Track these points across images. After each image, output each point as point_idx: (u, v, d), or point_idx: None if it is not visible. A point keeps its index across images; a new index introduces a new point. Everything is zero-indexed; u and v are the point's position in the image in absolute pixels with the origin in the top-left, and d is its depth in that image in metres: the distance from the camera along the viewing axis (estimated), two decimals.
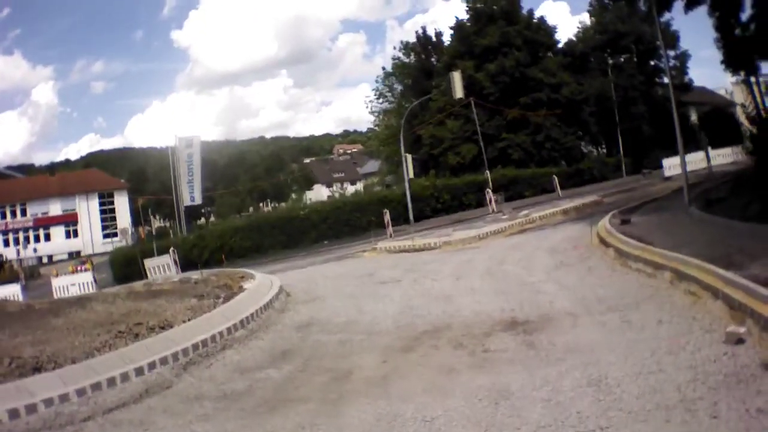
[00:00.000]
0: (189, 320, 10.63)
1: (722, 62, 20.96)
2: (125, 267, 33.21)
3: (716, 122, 48.64)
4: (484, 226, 24.40)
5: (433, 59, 55.03)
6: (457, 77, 34.29)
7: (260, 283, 14.47)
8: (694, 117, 55.22)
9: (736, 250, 9.75)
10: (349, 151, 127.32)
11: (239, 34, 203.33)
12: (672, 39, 52.32)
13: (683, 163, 19.72)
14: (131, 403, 7.44)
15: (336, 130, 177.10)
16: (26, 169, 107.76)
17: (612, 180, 45.29)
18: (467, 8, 51.33)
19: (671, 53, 53.39)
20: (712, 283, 8.08)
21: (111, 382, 7.84)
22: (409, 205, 35.08)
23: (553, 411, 5.49)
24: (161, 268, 27.65)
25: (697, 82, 57.51)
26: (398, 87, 56.87)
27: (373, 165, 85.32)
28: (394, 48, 67.75)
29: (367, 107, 75.84)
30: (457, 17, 52.92)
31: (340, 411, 6.39)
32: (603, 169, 48.07)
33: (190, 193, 43.89)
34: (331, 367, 8.10)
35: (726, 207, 14.76)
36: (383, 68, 58.21)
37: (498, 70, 46.91)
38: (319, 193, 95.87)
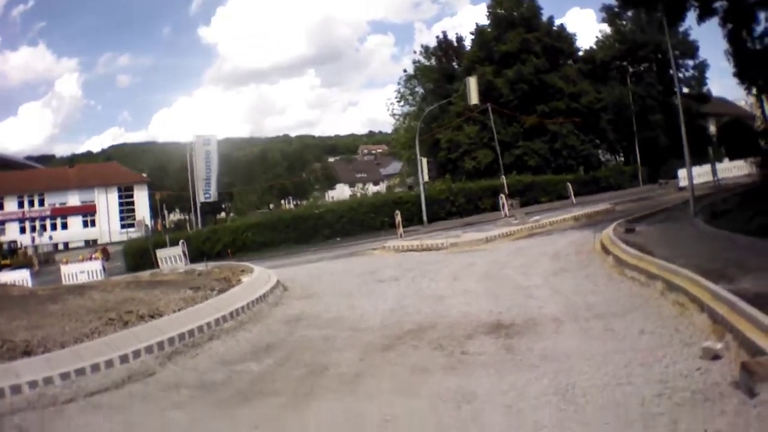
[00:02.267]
0: (180, 310, 10.51)
1: (735, 75, 20.42)
2: (138, 257, 33.25)
3: (735, 134, 47.67)
4: (493, 230, 24.02)
5: (454, 63, 54.53)
6: (473, 83, 33.89)
7: (257, 277, 14.32)
8: (712, 128, 54.23)
9: (731, 264, 9.39)
10: (373, 152, 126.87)
11: (267, 31, 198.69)
12: (690, 49, 51.60)
13: (690, 175, 19.38)
14: (113, 389, 7.42)
15: (362, 130, 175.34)
16: (47, 160, 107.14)
17: (628, 188, 44.41)
18: (488, 13, 50.86)
19: (689, 63, 52.96)
20: (700, 295, 7.77)
21: (95, 367, 7.80)
22: (423, 206, 34.79)
23: (512, 418, 5.27)
24: (172, 258, 27.76)
25: (719, 92, 56.55)
26: (420, 90, 56.32)
27: (395, 166, 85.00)
28: (415, 52, 67.48)
29: (388, 110, 76.15)
30: (477, 23, 52.52)
31: (307, 406, 6.30)
32: (619, 177, 47.25)
33: (206, 190, 44.49)
34: (309, 362, 8.00)
35: (730, 220, 14.32)
36: (404, 71, 57.71)
37: (516, 76, 46.21)
38: (341, 192, 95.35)
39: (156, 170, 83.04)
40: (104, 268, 27.94)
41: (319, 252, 27.89)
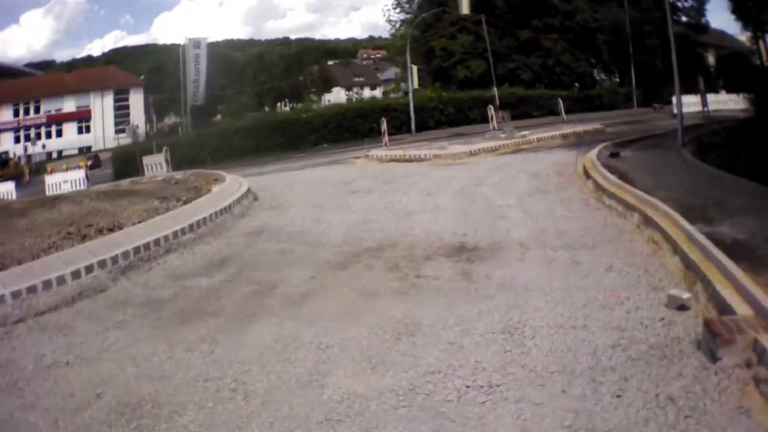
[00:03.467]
0: (141, 222, 9.96)
1: (732, 11, 19.30)
2: (125, 164, 32.22)
3: (733, 67, 46.35)
4: (479, 143, 23.34)
5: None
6: None
7: (226, 187, 13.72)
8: (711, 59, 52.81)
9: (713, 203, 8.87)
10: (372, 57, 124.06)
11: None
12: None
13: (679, 104, 18.54)
14: (63, 307, 7.15)
15: (362, 35, 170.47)
16: (46, 66, 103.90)
17: (621, 110, 43.28)
18: None
19: None
20: (675, 235, 7.22)
21: (47, 284, 7.40)
22: (412, 115, 33.80)
23: (452, 356, 4.83)
24: (157, 165, 26.96)
25: (720, 26, 54.95)
26: None
27: (393, 71, 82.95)
28: None
29: (384, 15, 73.79)
30: None
31: (245, 329, 5.96)
32: (613, 98, 46.18)
33: (195, 93, 43.99)
34: (260, 280, 7.62)
35: (719, 155, 13.64)
36: None
37: None
38: (338, 96, 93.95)
39: (153, 73, 79.92)
40: (87, 177, 27.00)
41: (304, 159, 27.23)
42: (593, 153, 15.74)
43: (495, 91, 37.69)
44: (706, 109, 20.25)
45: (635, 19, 47.76)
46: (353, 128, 33.50)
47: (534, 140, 23.50)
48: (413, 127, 33.71)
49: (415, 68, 35.78)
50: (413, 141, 29.43)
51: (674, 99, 35.47)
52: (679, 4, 50.51)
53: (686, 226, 7.24)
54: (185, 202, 11.81)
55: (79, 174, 27.48)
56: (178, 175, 18.32)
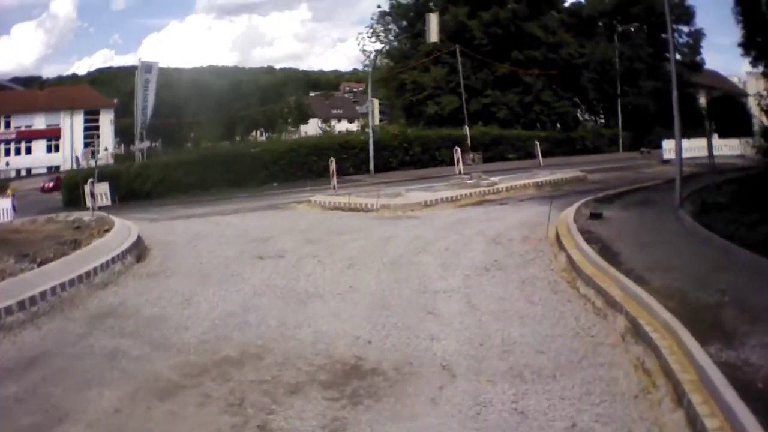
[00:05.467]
0: None
1: (740, 45, 17.26)
2: (72, 191, 30.52)
3: (726, 110, 45.03)
4: (440, 190, 21.01)
5: (432, 3, 50.35)
6: (433, 19, 30.02)
7: (107, 241, 11.59)
8: (702, 100, 51.58)
9: (730, 299, 6.54)
10: (354, 89, 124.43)
11: None
12: (686, 14, 48.73)
13: (679, 152, 15.99)
14: None
15: (348, 67, 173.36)
16: (31, 82, 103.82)
17: (606, 154, 41.66)
18: None
19: (684, 29, 50.03)
20: (679, 366, 4.85)
21: None
22: (371, 153, 31.38)
23: None
24: (102, 196, 26.13)
25: (710, 66, 53.88)
26: (393, 27, 52.09)
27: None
28: None
29: (359, 44, 72.50)
30: None
31: None
32: (598, 140, 44.18)
33: (142, 119, 42.46)
34: (53, 403, 5.46)
35: (727, 219, 11.29)
36: (378, 6, 53.06)
37: (492, 19, 42.21)
38: (314, 127, 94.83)
39: (127, 95, 79.37)
40: (14, 207, 24.88)
41: (245, 200, 24.83)
42: (570, 212, 13.42)
43: (466, 130, 35.54)
44: (712, 157, 17.89)
45: (625, 55, 46.41)
46: (307, 166, 31.00)
47: (503, 189, 21.18)
48: (372, 167, 31.28)
49: (376, 102, 33.66)
50: (371, 183, 27.06)
51: (665, 144, 34.04)
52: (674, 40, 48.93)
53: (697, 353, 4.80)
54: (42, 263, 9.69)
55: (5, 204, 25.33)
56: (87, 216, 16.04)
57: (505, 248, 11.46)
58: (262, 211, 20.25)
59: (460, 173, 27.53)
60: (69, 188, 32.58)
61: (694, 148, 26.31)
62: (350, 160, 32.03)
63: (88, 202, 24.75)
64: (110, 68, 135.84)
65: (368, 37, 51.40)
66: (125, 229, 13.23)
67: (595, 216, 13.07)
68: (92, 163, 51.02)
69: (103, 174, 28.93)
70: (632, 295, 6.88)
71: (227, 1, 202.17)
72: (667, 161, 31.53)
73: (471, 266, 10.03)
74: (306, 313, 7.70)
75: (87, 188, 24.87)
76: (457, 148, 29.00)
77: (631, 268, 8.18)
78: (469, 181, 23.79)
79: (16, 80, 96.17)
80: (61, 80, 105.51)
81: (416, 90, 44.65)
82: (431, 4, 49.63)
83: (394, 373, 5.65)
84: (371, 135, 31.86)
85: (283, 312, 7.76)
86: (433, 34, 29.65)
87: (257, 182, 30.27)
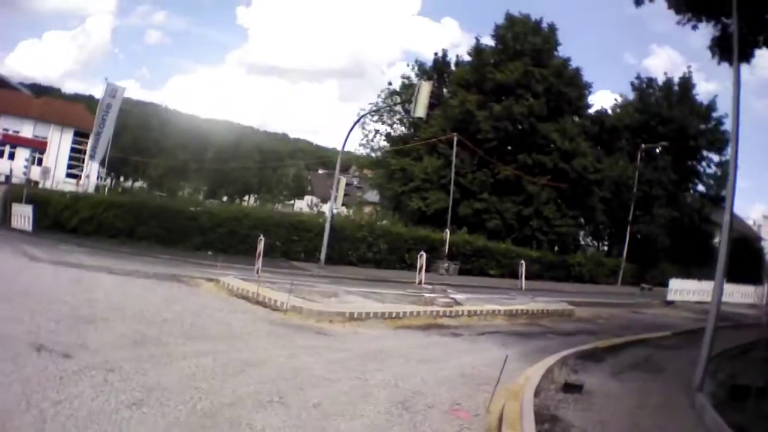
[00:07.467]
0: None
1: None
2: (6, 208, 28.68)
3: (741, 252, 41.79)
4: (384, 301, 16.87)
5: (445, 89, 47.45)
6: (424, 89, 25.92)
7: None
8: (717, 240, 48.51)
9: None
10: (362, 175, 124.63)
11: (303, 31, 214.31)
12: (719, 141, 46.24)
13: (717, 303, 10.78)
14: None
15: (361, 150, 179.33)
16: (50, 93, 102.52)
17: (602, 285, 38.21)
18: (493, 33, 43.89)
19: (714, 157, 48.75)
20: None
21: None
22: (325, 240, 27.07)
23: None
24: (24, 218, 26.20)
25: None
26: (399, 109, 48.90)
27: (373, 194, 77.40)
28: (408, 65, 59.56)
29: (359, 121, 69.99)
30: (478, 38, 46.25)
31: None
32: (596, 269, 40.30)
33: (93, 146, 39.36)
34: None
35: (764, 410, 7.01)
36: (389, 83, 50.37)
37: (503, 113, 39.14)
38: (303, 204, 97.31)
39: (127, 129, 78.44)
40: None
41: (159, 263, 21.33)
42: (535, 374, 9.00)
43: (447, 234, 31.43)
44: (764, 312, 13.63)
45: (644, 178, 43.41)
46: (248, 240, 26.85)
47: (464, 313, 16.82)
48: (323, 257, 26.92)
49: (343, 181, 29.78)
50: (312, 275, 22.86)
51: (672, 283, 30.34)
52: (699, 168, 48.63)
53: None
54: None
55: None
56: None
57: (412, 424, 7.04)
58: (159, 280, 17.00)
59: (420, 283, 23.24)
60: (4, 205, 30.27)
61: (704, 291, 24.00)
62: (301, 244, 28.32)
63: (13, 222, 26.38)
64: (129, 99, 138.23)
65: (370, 115, 48.40)
66: None
67: (571, 389, 8.66)
68: (48, 183, 48.67)
69: (35, 197, 28.17)
70: None
71: (260, 60, 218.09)
72: (670, 303, 29.14)
73: None
74: None
75: (21, 208, 26.31)
76: (422, 253, 24.69)
77: None
78: (427, 295, 19.53)
79: (34, 87, 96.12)
80: (77, 98, 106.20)
81: (405, 180, 41.26)
82: (445, 90, 47.01)
83: None
84: (329, 218, 27.63)
85: None
86: (420, 108, 25.64)
87: (191, 246, 26.84)
